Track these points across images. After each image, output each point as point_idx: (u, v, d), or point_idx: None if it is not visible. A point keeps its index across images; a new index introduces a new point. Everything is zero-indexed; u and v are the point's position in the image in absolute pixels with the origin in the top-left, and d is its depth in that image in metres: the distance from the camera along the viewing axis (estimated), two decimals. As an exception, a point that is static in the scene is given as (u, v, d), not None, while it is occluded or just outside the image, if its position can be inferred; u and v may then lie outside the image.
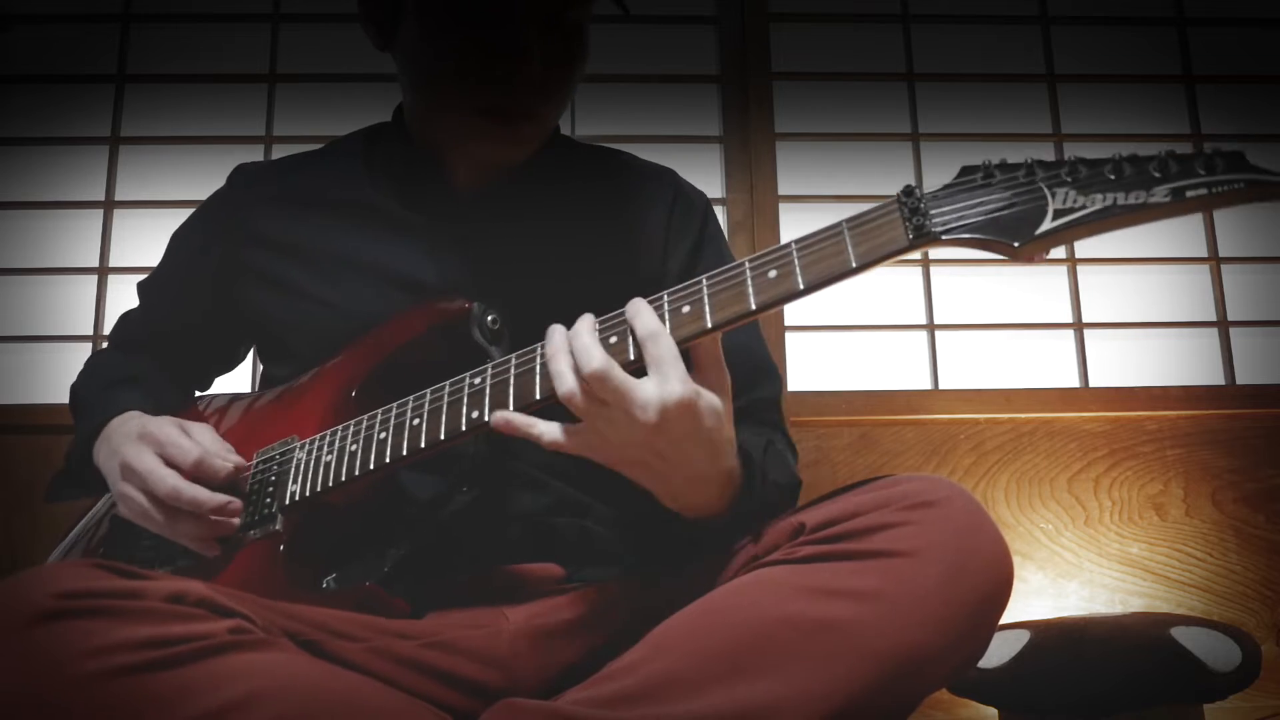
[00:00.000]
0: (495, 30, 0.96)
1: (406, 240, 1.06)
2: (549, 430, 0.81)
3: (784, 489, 0.95)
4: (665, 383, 0.77)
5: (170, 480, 0.91)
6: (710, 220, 1.15)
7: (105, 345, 1.24)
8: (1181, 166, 0.67)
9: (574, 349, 0.78)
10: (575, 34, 1.00)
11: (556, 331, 0.81)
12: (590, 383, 0.76)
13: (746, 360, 1.04)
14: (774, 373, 1.10)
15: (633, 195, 1.13)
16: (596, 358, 0.76)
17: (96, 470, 1.02)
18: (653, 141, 2.28)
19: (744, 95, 2.32)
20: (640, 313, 0.79)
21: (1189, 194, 0.66)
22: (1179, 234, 2.35)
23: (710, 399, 0.79)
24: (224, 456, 0.94)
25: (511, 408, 0.83)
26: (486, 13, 0.95)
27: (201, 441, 0.95)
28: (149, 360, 1.17)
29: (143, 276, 1.22)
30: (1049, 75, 2.41)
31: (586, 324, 0.80)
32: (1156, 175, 0.67)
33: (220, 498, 0.91)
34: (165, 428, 0.95)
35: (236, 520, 0.92)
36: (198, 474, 0.92)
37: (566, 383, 0.78)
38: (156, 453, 0.94)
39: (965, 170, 0.74)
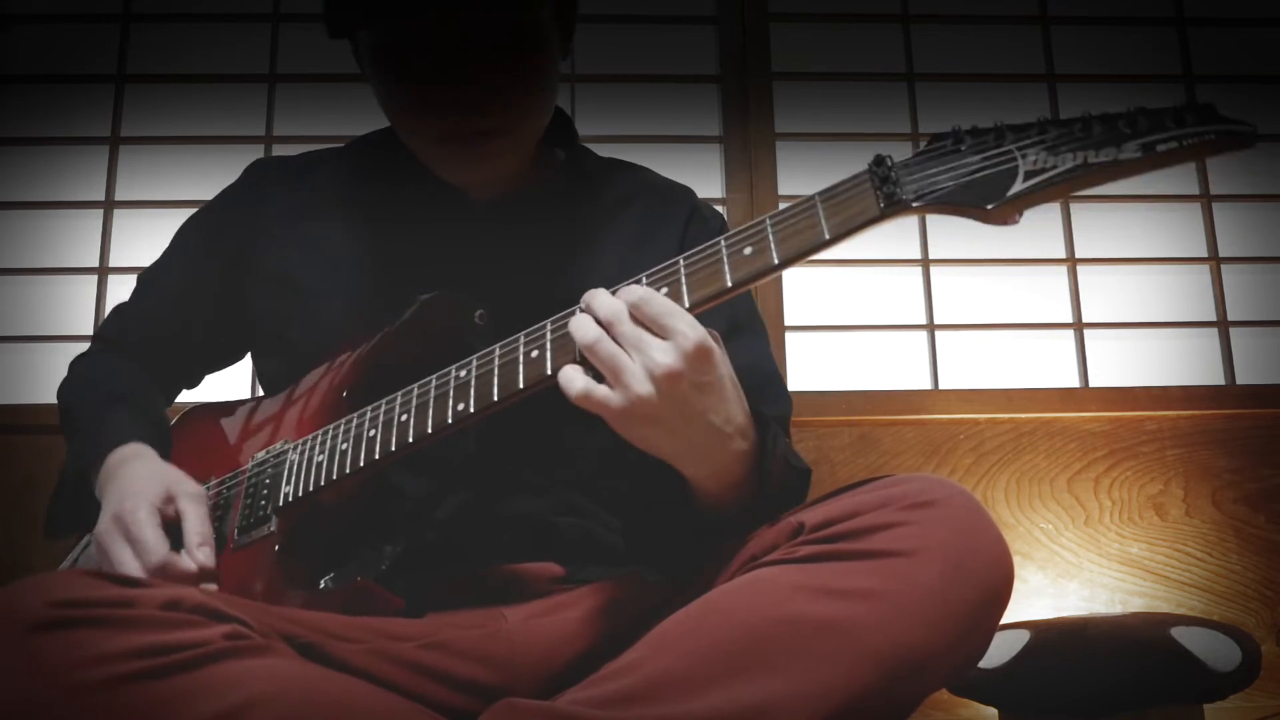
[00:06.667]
0: (421, 60, 0.95)
1: (416, 245, 1.06)
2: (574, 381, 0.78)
3: (796, 471, 0.94)
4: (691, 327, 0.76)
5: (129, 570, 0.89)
6: None
7: (95, 340, 1.19)
8: (1151, 121, 0.67)
9: (596, 300, 0.78)
10: (517, 41, 0.97)
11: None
12: (634, 309, 0.76)
13: (755, 377, 1.04)
14: (784, 394, 1.08)
15: (647, 209, 1.13)
16: (635, 289, 0.77)
17: (96, 501, 0.99)
18: (653, 141, 2.28)
19: (744, 95, 2.32)
20: (599, 295, 0.79)
21: (1160, 148, 0.66)
22: (1179, 234, 2.35)
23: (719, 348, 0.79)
24: (186, 561, 0.88)
25: (496, 398, 0.83)
26: (410, 43, 0.95)
27: (187, 519, 0.91)
28: (140, 362, 1.15)
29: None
30: (1049, 75, 2.41)
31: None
32: (1126, 132, 0.67)
33: (167, 594, 0.85)
34: (141, 519, 0.90)
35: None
36: (160, 576, 0.88)
37: (589, 332, 0.77)
38: (128, 542, 0.90)
39: (935, 138, 0.74)
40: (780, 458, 0.89)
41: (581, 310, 0.80)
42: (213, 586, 0.89)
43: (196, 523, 0.91)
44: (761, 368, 1.07)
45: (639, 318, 0.76)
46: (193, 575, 0.89)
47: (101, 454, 1.00)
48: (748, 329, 1.09)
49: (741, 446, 0.83)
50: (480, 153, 0.99)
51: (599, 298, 0.79)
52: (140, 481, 0.94)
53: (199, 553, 0.89)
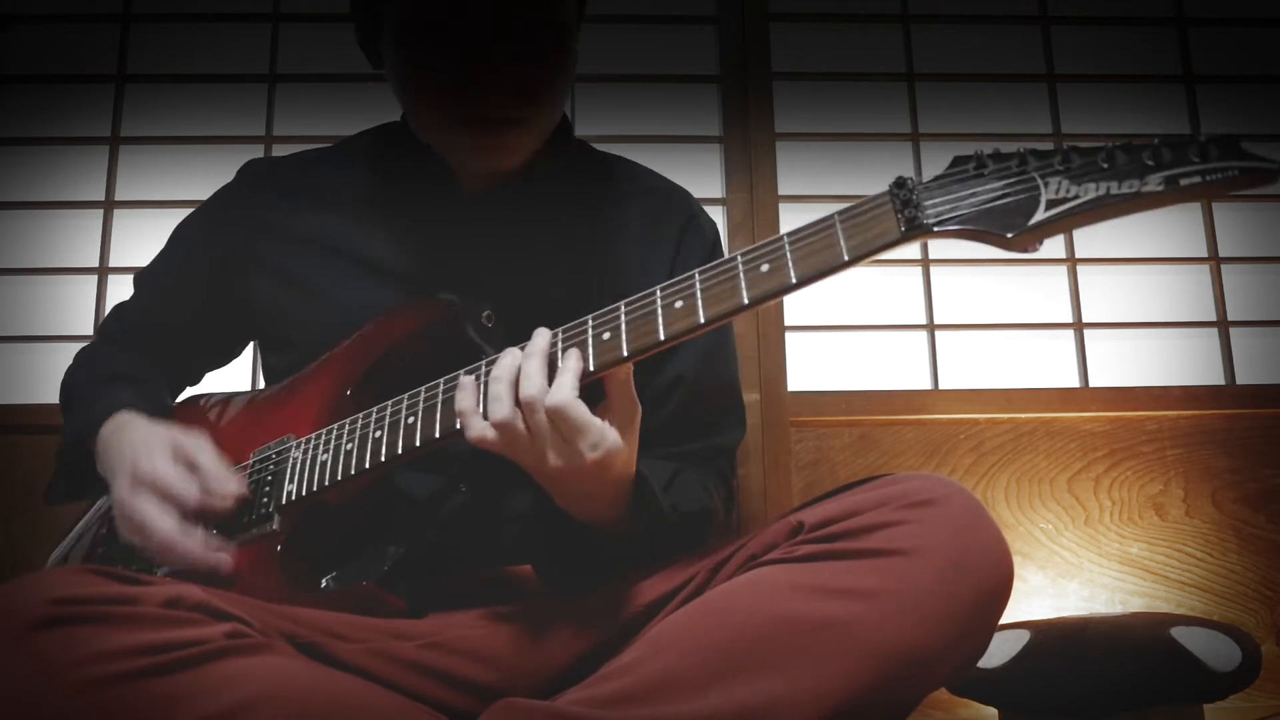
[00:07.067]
0: (464, 39, 0.95)
1: (413, 241, 1.06)
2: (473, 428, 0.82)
3: (689, 515, 0.95)
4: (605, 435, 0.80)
5: (162, 534, 0.90)
6: (718, 252, 1.16)
7: (96, 337, 1.22)
8: (1175, 154, 0.66)
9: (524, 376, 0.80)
10: (549, 35, 0.98)
11: (507, 356, 0.82)
12: (551, 414, 0.78)
13: (723, 401, 1.05)
14: (741, 422, 1.10)
15: (645, 208, 1.12)
16: (564, 390, 0.78)
17: (95, 470, 1.01)
18: (653, 141, 2.27)
19: (744, 95, 2.32)
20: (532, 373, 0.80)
21: (1183, 182, 0.65)
22: (1179, 234, 2.35)
23: (624, 449, 0.81)
24: (222, 491, 0.92)
25: None
26: (454, 22, 0.95)
27: (202, 465, 0.94)
28: (141, 356, 1.16)
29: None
30: (1049, 75, 2.41)
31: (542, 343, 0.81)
32: (1150, 164, 0.66)
33: (212, 560, 0.89)
34: (161, 468, 0.92)
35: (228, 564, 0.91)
36: (199, 514, 0.91)
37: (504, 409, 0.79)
38: (155, 494, 0.92)
39: (958, 160, 0.73)
40: (661, 515, 0.92)
41: (517, 359, 0.81)
42: (224, 560, 0.90)
43: (212, 462, 0.94)
44: (728, 392, 1.08)
45: (553, 420, 0.78)
46: (228, 509, 0.91)
47: (96, 422, 1.02)
48: (721, 350, 1.09)
49: (610, 514, 0.88)
50: (501, 140, 1.00)
51: (530, 371, 0.79)
52: (145, 441, 0.96)
53: (227, 485, 0.92)
